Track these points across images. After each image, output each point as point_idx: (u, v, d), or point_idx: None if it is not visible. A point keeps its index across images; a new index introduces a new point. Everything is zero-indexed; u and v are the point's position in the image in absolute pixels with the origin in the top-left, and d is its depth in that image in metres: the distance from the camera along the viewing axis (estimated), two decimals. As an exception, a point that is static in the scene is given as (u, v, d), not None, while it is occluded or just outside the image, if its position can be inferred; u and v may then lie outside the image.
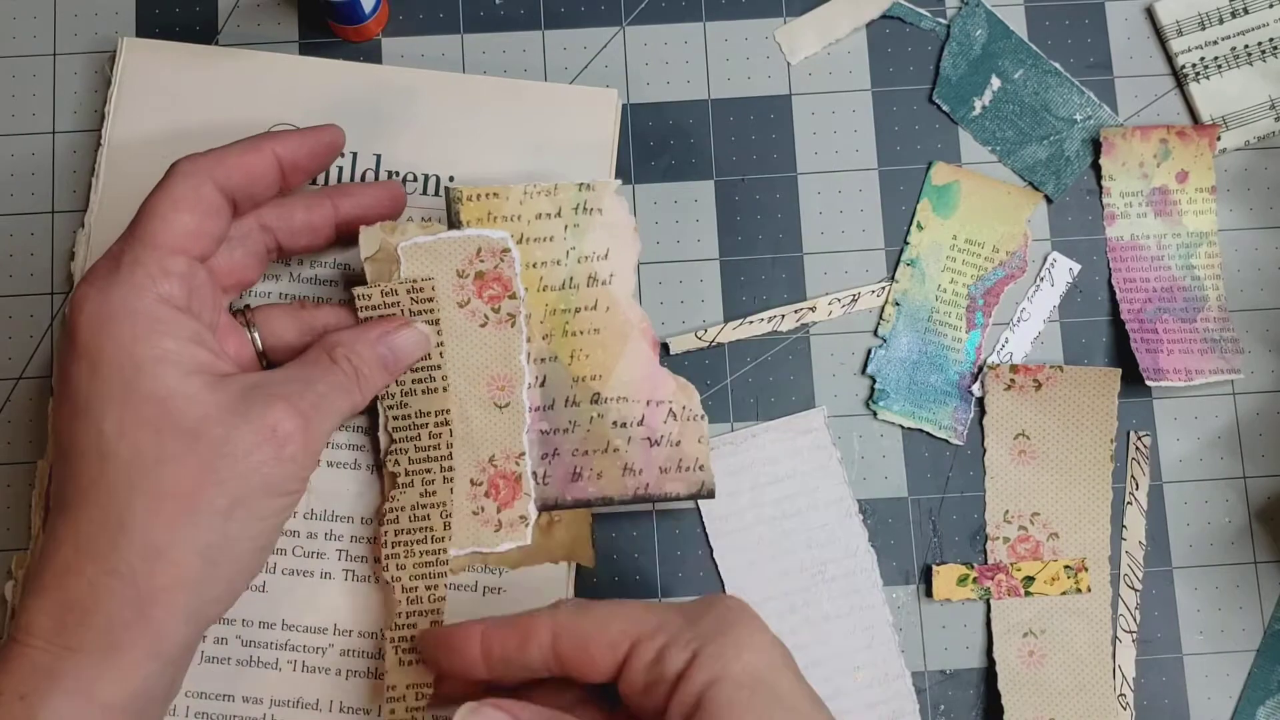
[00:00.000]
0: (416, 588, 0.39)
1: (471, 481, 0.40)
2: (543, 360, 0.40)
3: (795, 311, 0.43)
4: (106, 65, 0.44)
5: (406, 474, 0.39)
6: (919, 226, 0.44)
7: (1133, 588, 0.42)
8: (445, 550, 0.39)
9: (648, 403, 0.41)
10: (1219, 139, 0.45)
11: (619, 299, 0.41)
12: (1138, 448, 0.43)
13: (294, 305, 0.39)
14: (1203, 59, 0.45)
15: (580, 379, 0.40)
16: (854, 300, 0.43)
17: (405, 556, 0.39)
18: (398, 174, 0.42)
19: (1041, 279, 0.44)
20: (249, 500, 0.34)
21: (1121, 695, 0.42)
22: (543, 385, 0.40)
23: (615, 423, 0.40)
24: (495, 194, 0.40)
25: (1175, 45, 0.45)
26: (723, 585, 0.42)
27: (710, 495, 0.40)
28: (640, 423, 0.40)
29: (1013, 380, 0.43)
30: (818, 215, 0.44)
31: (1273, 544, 0.43)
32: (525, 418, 0.40)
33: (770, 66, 0.45)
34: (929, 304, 0.44)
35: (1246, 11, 0.45)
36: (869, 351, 0.43)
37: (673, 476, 0.40)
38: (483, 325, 0.40)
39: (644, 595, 0.42)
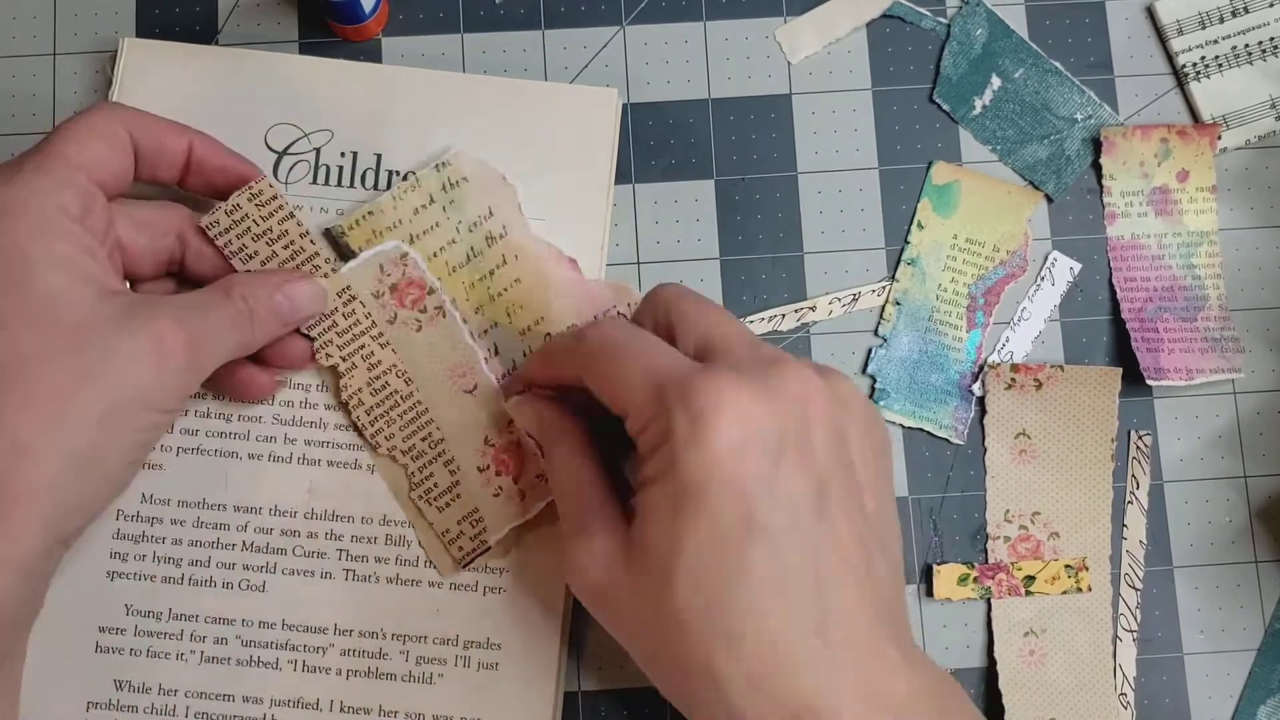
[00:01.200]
0: (413, 445, 0.40)
1: (479, 470, 0.40)
2: (486, 331, 0.41)
3: (795, 311, 0.43)
4: (107, 65, 0.44)
5: (344, 359, 0.40)
6: (919, 226, 0.44)
7: (1133, 587, 0.42)
8: (420, 402, 0.40)
9: (595, 319, 0.41)
10: (1220, 138, 0.45)
11: (521, 243, 0.42)
12: (1138, 447, 0.43)
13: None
14: (1203, 58, 0.45)
15: (526, 329, 0.42)
16: (854, 300, 0.43)
17: (387, 425, 0.40)
18: (398, 173, 0.42)
19: (1042, 278, 0.44)
20: (125, 410, 0.33)
21: (1122, 694, 0.42)
22: (497, 354, 0.41)
23: None
24: (370, 212, 0.41)
25: (1176, 44, 0.45)
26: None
27: None
28: None
29: (1013, 379, 0.43)
30: (818, 215, 0.44)
31: (1273, 543, 0.43)
32: (496, 390, 0.41)
33: (770, 66, 0.45)
34: (929, 303, 0.44)
35: (1247, 10, 0.45)
36: (869, 351, 0.43)
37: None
38: (418, 330, 0.41)
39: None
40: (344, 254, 0.41)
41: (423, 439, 0.40)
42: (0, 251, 0.32)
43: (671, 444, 0.30)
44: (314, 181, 0.42)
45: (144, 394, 0.33)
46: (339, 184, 0.42)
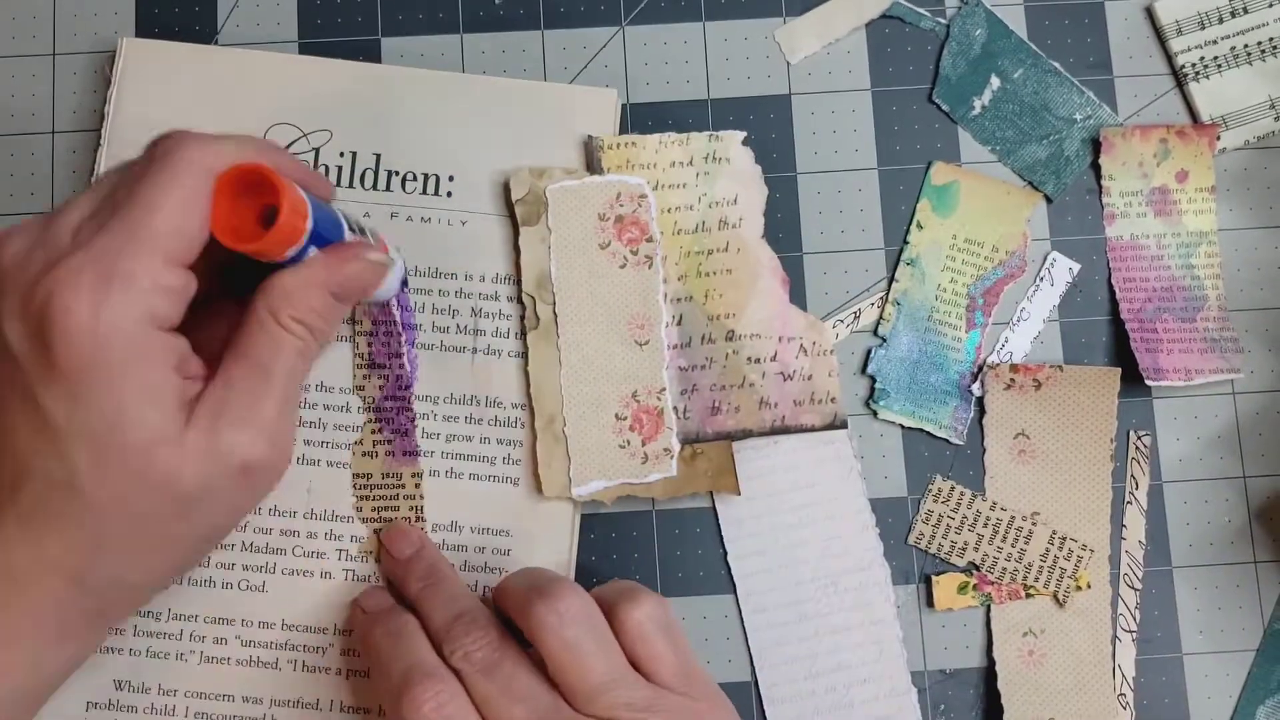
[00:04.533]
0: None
1: (616, 416, 0.41)
2: (679, 300, 0.42)
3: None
4: (106, 65, 0.44)
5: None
6: (919, 226, 0.44)
7: (1132, 587, 0.42)
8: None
9: (780, 339, 0.42)
10: (1219, 138, 0.45)
11: (749, 241, 0.43)
12: (1137, 447, 0.43)
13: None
14: (1202, 58, 0.45)
15: (715, 317, 0.42)
16: (856, 318, 0.43)
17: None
18: (397, 173, 0.42)
19: (1041, 278, 0.44)
20: (219, 533, 0.36)
21: (1121, 695, 0.42)
22: (679, 324, 0.42)
23: (750, 358, 0.42)
24: (633, 143, 0.42)
25: (1175, 45, 0.45)
26: (734, 588, 0.42)
27: (843, 426, 0.42)
28: (773, 358, 0.42)
29: (1012, 380, 0.43)
30: (817, 215, 0.44)
31: (1272, 544, 0.43)
32: (664, 354, 0.42)
33: (770, 66, 0.45)
34: (929, 303, 0.44)
35: (1246, 11, 0.45)
36: (869, 351, 0.43)
37: (806, 409, 0.42)
38: (621, 267, 0.42)
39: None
40: (592, 165, 0.42)
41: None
42: (94, 391, 0.30)
43: None
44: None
45: (237, 515, 0.35)
46: (338, 184, 0.42)
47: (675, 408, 0.42)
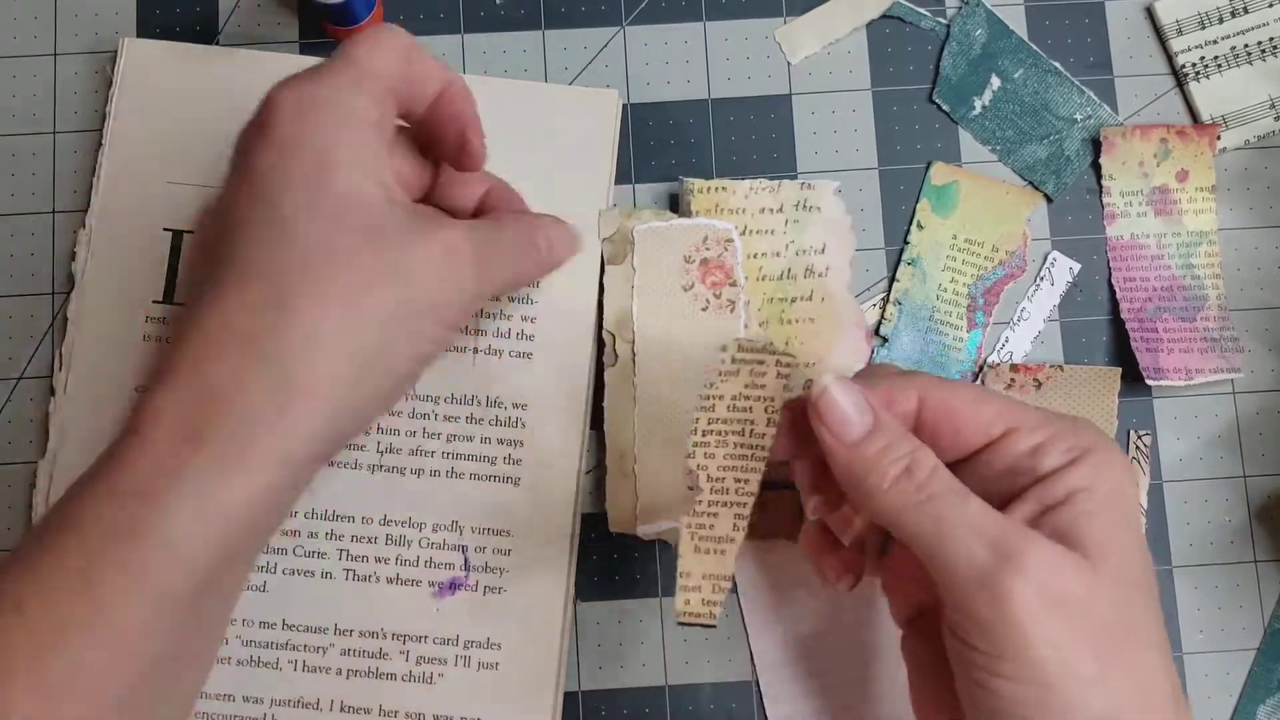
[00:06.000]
0: (724, 479, 0.36)
1: (687, 458, 0.39)
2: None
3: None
4: (107, 65, 0.44)
5: (733, 361, 0.36)
6: (919, 226, 0.44)
7: (1133, 587, 0.42)
8: (764, 447, 0.36)
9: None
10: (1219, 138, 0.45)
11: (834, 291, 0.42)
12: (1138, 447, 0.43)
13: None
14: (1203, 58, 0.45)
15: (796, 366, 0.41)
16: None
17: (717, 446, 0.36)
18: None
19: (1041, 278, 0.44)
20: (414, 314, 0.32)
21: (1122, 694, 0.42)
22: None
23: None
24: (723, 188, 0.42)
25: (1175, 45, 0.45)
26: (735, 589, 0.42)
27: None
28: None
29: (1013, 379, 0.43)
30: (818, 215, 0.44)
31: (1273, 543, 0.43)
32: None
33: (770, 66, 0.45)
34: (930, 303, 0.44)
35: (1246, 11, 0.45)
36: (872, 351, 0.43)
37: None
38: (703, 309, 0.41)
39: (643, 597, 0.42)
40: (680, 207, 0.43)
41: (737, 480, 0.36)
42: (305, 145, 0.31)
43: (1101, 459, 0.31)
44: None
45: (433, 301, 0.33)
46: None
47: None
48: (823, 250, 0.43)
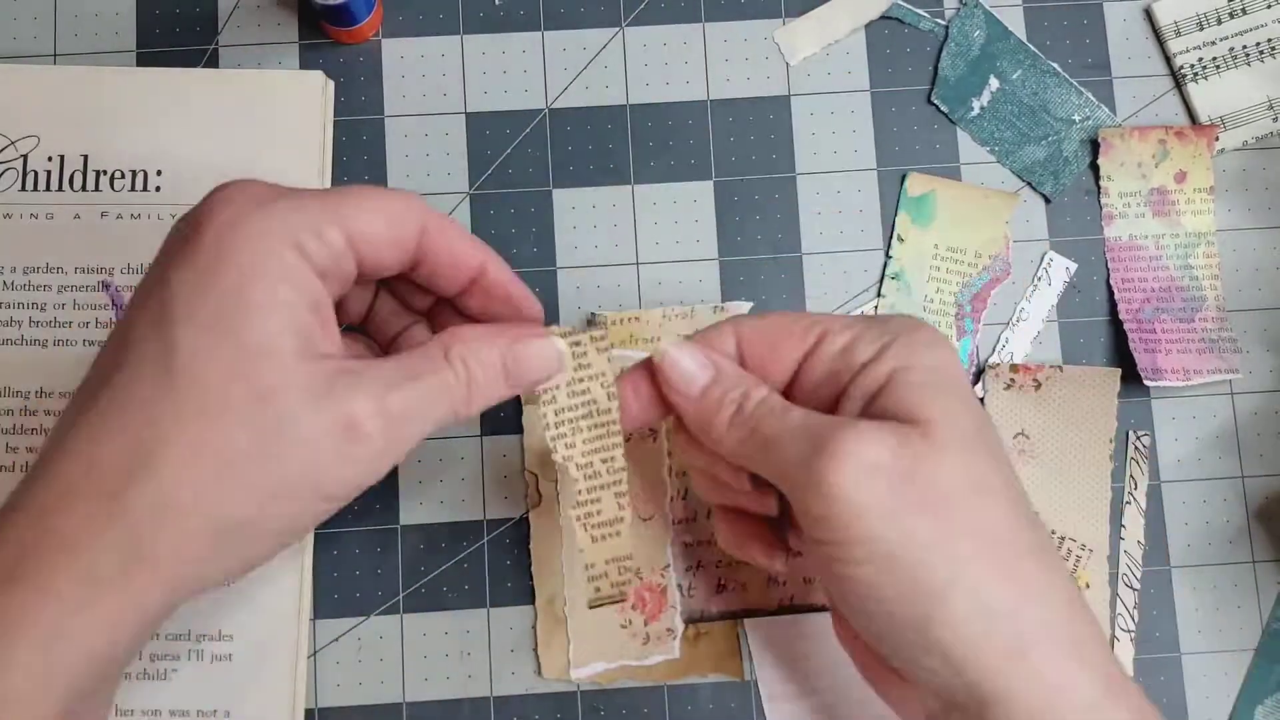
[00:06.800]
0: (591, 463, 0.36)
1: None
2: (684, 474, 0.41)
3: None
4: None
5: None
6: (900, 239, 0.44)
7: (1131, 587, 0.43)
8: (614, 421, 0.36)
9: None
10: (1217, 139, 0.45)
11: None
12: (1136, 447, 0.43)
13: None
14: (1201, 59, 0.45)
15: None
16: None
17: (573, 434, 0.36)
18: (105, 173, 0.42)
19: (1039, 279, 0.44)
20: (294, 491, 0.29)
21: (1120, 694, 0.42)
22: (684, 498, 0.42)
23: None
24: (636, 318, 0.42)
25: (1173, 46, 0.45)
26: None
27: None
28: None
29: (1012, 380, 0.43)
30: (816, 215, 0.44)
31: (1271, 543, 0.43)
32: (669, 531, 0.41)
33: (769, 67, 0.45)
34: (918, 316, 0.44)
35: (1245, 12, 0.45)
36: (868, 351, 0.43)
37: (816, 587, 0.41)
38: (627, 440, 0.40)
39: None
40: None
41: (603, 460, 0.37)
42: (221, 277, 0.28)
43: (911, 339, 0.32)
44: (23, 189, 0.42)
45: (317, 481, 0.29)
46: (48, 188, 0.42)
47: (680, 585, 0.41)
48: None
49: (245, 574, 0.31)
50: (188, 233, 0.29)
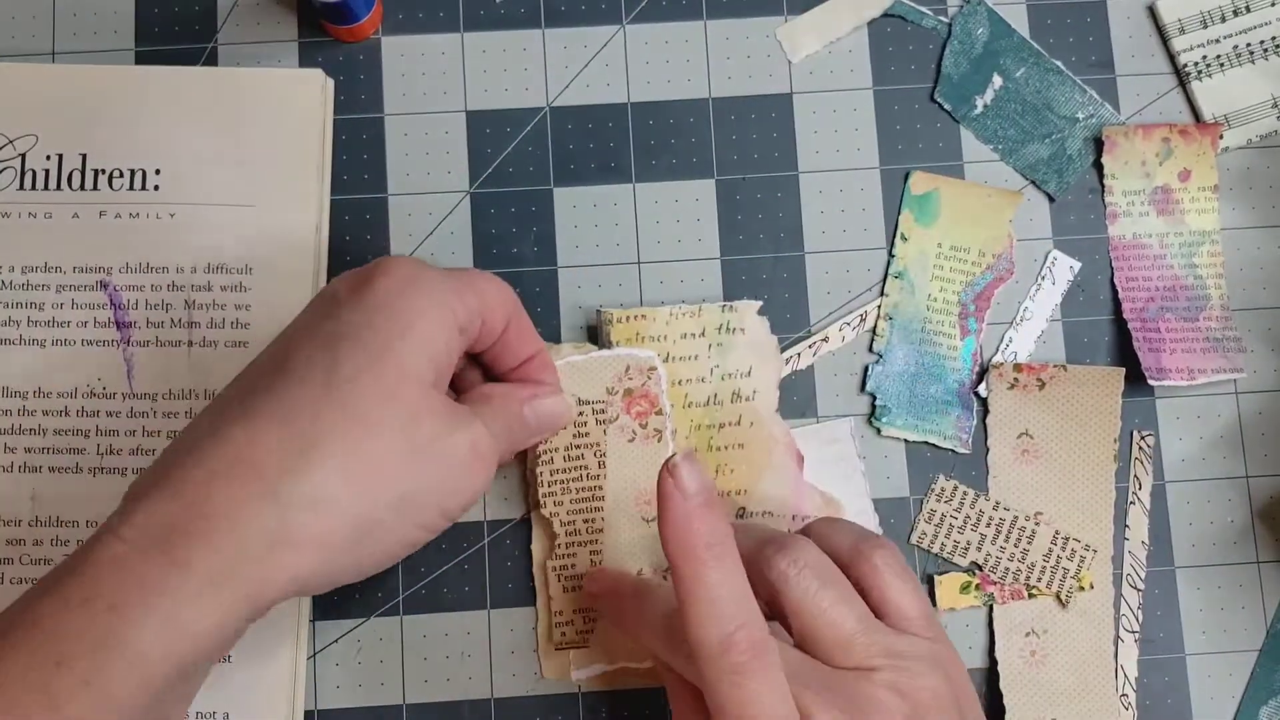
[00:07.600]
0: (574, 521, 0.40)
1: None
2: None
3: (810, 347, 0.43)
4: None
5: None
6: (903, 238, 0.44)
7: (1135, 587, 0.42)
8: (600, 487, 0.40)
9: (793, 517, 0.41)
10: (1221, 137, 0.45)
11: (763, 415, 0.41)
12: (1140, 447, 0.43)
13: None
14: (1205, 57, 0.45)
15: (725, 493, 0.41)
16: (861, 321, 0.43)
17: (562, 494, 0.40)
18: (104, 171, 0.42)
19: (1043, 277, 0.44)
20: (425, 502, 0.33)
21: (1124, 695, 0.42)
22: None
23: None
24: (643, 315, 0.42)
25: (1177, 44, 0.45)
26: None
27: None
28: None
29: (1016, 379, 0.43)
30: (819, 214, 0.44)
31: (1275, 544, 0.43)
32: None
33: (771, 65, 0.45)
34: (921, 315, 0.43)
35: (1248, 10, 0.45)
36: (865, 368, 0.43)
37: None
38: (630, 440, 0.40)
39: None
40: (599, 338, 0.42)
41: (585, 520, 0.40)
42: (389, 315, 0.33)
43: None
44: (21, 188, 0.42)
45: (443, 495, 0.33)
46: (46, 187, 0.42)
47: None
48: (749, 373, 0.41)
49: (357, 578, 0.33)
50: (356, 283, 0.34)
